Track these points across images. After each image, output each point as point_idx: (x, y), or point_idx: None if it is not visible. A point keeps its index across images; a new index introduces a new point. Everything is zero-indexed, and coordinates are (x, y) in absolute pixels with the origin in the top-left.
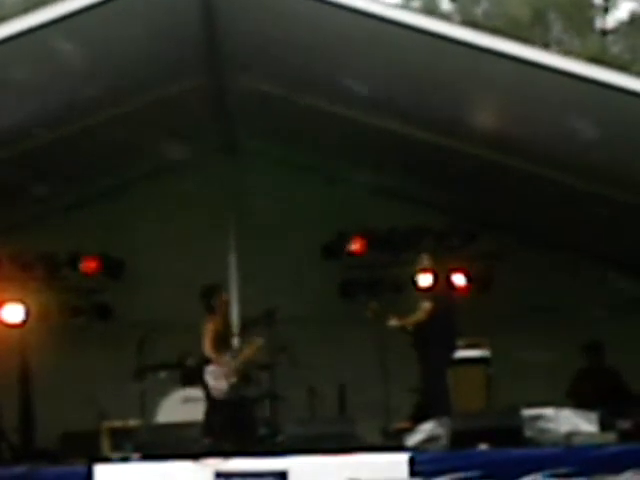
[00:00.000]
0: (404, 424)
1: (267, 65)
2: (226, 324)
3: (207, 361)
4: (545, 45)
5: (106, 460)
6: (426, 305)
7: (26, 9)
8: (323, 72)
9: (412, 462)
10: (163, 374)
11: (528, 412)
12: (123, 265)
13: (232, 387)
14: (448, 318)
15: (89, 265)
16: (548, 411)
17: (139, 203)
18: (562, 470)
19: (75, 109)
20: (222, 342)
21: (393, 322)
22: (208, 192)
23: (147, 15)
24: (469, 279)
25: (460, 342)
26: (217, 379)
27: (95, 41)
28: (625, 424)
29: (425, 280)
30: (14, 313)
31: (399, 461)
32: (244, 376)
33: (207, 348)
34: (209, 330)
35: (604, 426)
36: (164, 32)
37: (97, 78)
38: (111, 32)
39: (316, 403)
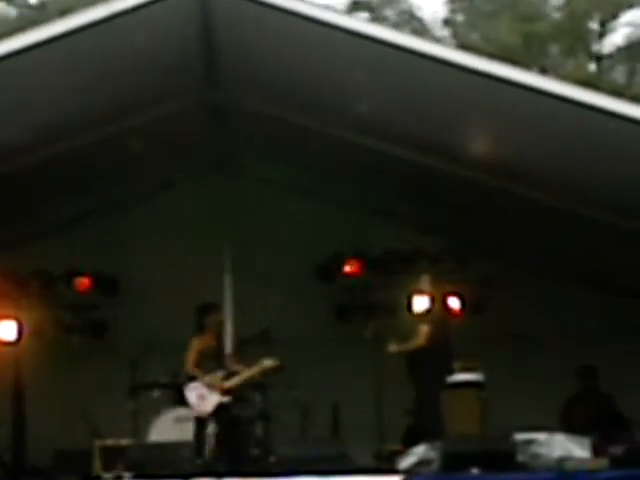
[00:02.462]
0: (397, 447)
1: (266, 85)
2: (219, 343)
3: (190, 379)
4: (542, 70)
5: (98, 479)
6: (424, 329)
7: (20, 28)
8: (322, 93)
9: None
10: (156, 393)
11: (521, 436)
12: (118, 283)
13: (221, 406)
14: (444, 341)
15: (84, 282)
16: (541, 436)
17: (135, 221)
18: None
19: (72, 127)
20: (213, 361)
21: (393, 348)
22: (204, 210)
23: (146, 33)
24: (463, 302)
25: (455, 365)
26: (199, 398)
27: (94, 59)
28: (618, 450)
29: (421, 303)
30: (8, 330)
31: None
32: (237, 396)
33: (188, 366)
34: (194, 348)
35: (597, 451)
36: (163, 50)
37: (95, 96)
38: (110, 50)
39: (309, 424)
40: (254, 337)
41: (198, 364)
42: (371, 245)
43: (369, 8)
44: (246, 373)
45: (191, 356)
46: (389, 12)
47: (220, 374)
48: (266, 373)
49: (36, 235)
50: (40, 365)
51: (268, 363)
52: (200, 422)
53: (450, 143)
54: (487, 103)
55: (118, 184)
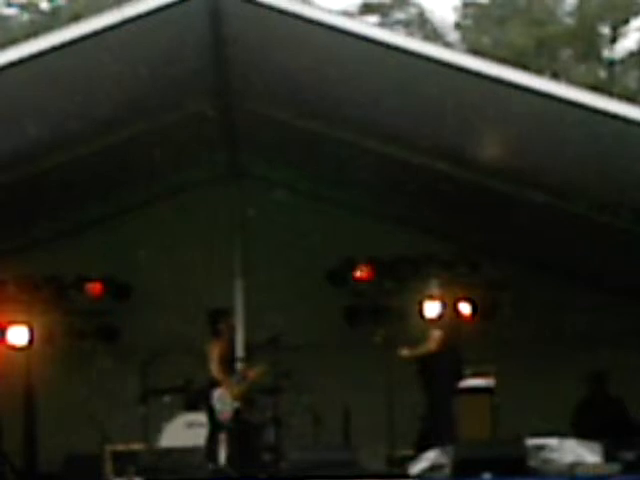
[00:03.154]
0: (408, 452)
1: (274, 91)
2: (231, 349)
3: (213, 385)
4: (554, 75)
5: None
6: (436, 334)
7: (34, 33)
8: (330, 99)
9: None
10: (167, 398)
11: (532, 442)
12: (129, 288)
13: (236, 412)
14: (455, 346)
15: (95, 288)
16: (552, 441)
17: (146, 226)
18: None
19: (83, 133)
20: (227, 366)
21: (405, 353)
22: (214, 216)
23: (154, 40)
24: (474, 308)
25: (466, 371)
26: (225, 403)
27: (102, 66)
28: (629, 455)
29: (433, 308)
30: (20, 335)
31: None
32: (248, 401)
33: (215, 371)
34: (215, 353)
35: (608, 457)
36: (171, 57)
37: (104, 102)
38: (117, 57)
39: (320, 429)
40: (264, 343)
41: (223, 369)
42: (382, 250)
43: (380, 11)
44: (248, 378)
45: (215, 361)
46: (400, 15)
47: (234, 380)
48: (262, 377)
49: (47, 241)
50: (51, 370)
51: (261, 368)
52: (216, 427)
53: (460, 148)
54: (498, 108)
55: (128, 190)
